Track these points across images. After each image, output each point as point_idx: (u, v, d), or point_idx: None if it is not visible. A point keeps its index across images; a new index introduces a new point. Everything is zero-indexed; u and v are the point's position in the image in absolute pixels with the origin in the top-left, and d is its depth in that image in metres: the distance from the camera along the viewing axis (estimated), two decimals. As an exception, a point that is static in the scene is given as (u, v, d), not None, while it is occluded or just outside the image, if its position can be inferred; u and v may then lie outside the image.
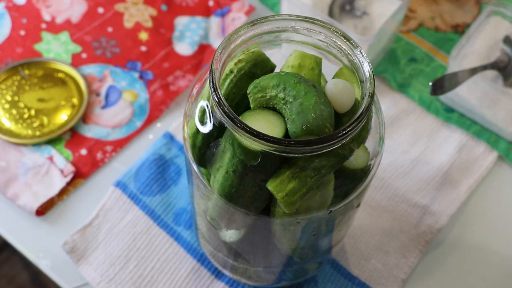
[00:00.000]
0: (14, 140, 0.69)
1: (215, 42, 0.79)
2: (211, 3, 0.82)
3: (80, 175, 0.69)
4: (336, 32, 0.46)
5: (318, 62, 0.48)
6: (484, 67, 0.70)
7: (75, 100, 0.72)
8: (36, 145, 0.70)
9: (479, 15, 0.77)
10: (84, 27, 0.79)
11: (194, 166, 0.49)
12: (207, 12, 0.82)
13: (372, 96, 0.43)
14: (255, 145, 0.42)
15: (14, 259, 1.27)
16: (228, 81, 0.46)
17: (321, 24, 0.46)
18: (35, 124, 0.71)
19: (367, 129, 0.46)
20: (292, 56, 0.48)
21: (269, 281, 0.62)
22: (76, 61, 0.76)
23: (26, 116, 0.71)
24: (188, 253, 0.64)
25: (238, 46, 0.46)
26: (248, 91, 0.45)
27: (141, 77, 0.76)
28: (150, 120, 0.73)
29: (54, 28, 0.79)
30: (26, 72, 0.74)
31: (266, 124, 0.44)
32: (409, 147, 0.72)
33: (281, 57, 0.51)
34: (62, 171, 0.68)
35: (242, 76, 0.47)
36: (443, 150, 0.72)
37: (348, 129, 0.41)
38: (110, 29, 0.79)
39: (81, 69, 0.75)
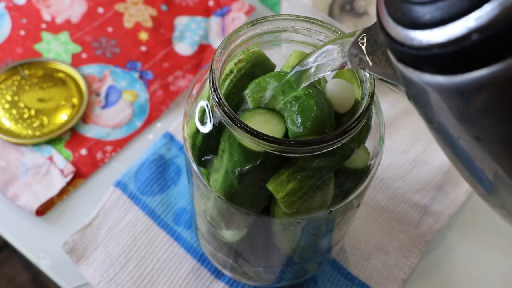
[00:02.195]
0: (14, 140, 0.69)
1: (215, 42, 0.79)
2: (211, 3, 0.82)
3: (80, 175, 0.69)
4: (336, 32, 0.46)
5: (318, 62, 0.48)
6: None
7: (75, 100, 0.72)
8: (36, 145, 0.70)
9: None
10: (84, 27, 0.79)
11: (194, 166, 0.49)
12: (207, 12, 0.82)
13: (372, 96, 0.43)
14: (255, 145, 0.42)
15: (14, 259, 1.27)
16: (228, 81, 0.46)
17: (321, 24, 0.46)
18: (35, 124, 0.71)
19: (367, 129, 0.46)
20: (292, 56, 0.48)
21: (269, 281, 0.62)
22: (76, 61, 0.76)
23: (26, 116, 0.71)
24: (188, 253, 0.64)
25: (238, 46, 0.46)
26: (248, 91, 0.45)
27: (141, 77, 0.76)
28: (150, 120, 0.73)
29: (54, 28, 0.78)
30: (26, 72, 0.74)
31: (266, 124, 0.44)
32: (409, 147, 0.72)
33: (281, 57, 0.51)
34: (62, 171, 0.68)
35: (242, 76, 0.47)
36: (443, 150, 0.72)
37: (348, 129, 0.41)
38: (110, 29, 0.79)
39: (81, 69, 0.75)
